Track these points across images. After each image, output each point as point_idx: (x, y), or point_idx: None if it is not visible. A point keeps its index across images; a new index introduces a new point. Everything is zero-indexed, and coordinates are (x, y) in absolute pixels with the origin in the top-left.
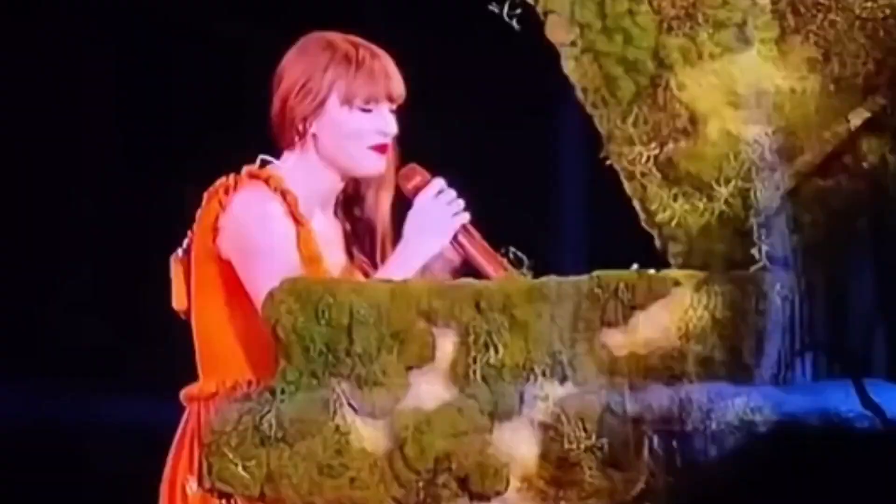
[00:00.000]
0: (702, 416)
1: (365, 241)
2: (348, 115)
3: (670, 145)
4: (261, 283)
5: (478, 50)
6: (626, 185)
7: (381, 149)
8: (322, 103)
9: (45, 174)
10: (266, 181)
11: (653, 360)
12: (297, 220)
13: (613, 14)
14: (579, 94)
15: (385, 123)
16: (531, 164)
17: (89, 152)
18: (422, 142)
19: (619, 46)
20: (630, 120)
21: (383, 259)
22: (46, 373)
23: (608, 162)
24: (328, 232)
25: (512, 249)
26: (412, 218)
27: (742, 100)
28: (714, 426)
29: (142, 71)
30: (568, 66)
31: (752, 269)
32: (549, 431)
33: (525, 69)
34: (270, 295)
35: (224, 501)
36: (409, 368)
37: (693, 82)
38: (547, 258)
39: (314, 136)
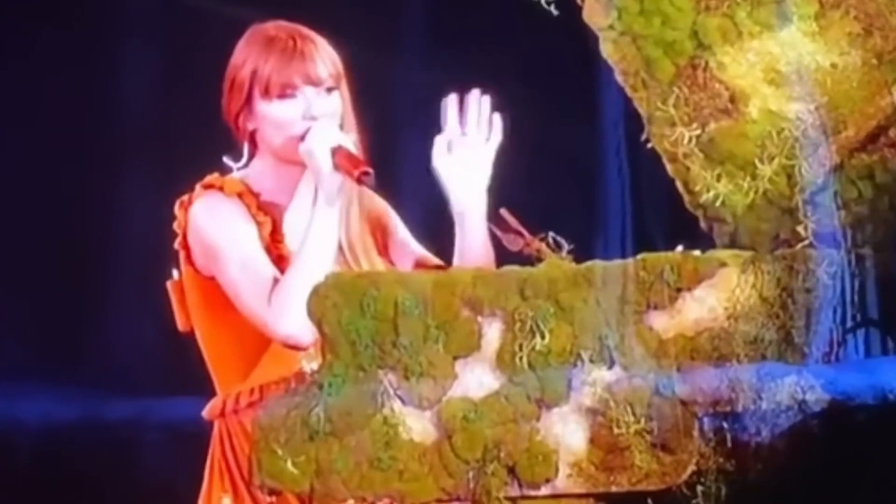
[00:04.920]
0: (752, 396)
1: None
2: (269, 105)
3: (712, 125)
4: (237, 285)
5: (517, 35)
6: (669, 167)
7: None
8: (248, 98)
9: (92, 178)
10: (221, 188)
11: (701, 342)
12: (259, 219)
13: None
14: (619, 78)
15: (308, 107)
16: (572, 150)
17: (137, 159)
18: None
19: (658, 28)
20: (671, 101)
21: (353, 254)
22: (98, 374)
23: (650, 145)
24: None
25: (551, 234)
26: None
27: (783, 77)
28: (765, 406)
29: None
30: (606, 50)
31: (799, 246)
32: (598, 417)
33: (564, 53)
34: (315, 291)
35: (274, 499)
36: (456, 358)
37: (733, 61)
38: (588, 243)
39: (256, 131)
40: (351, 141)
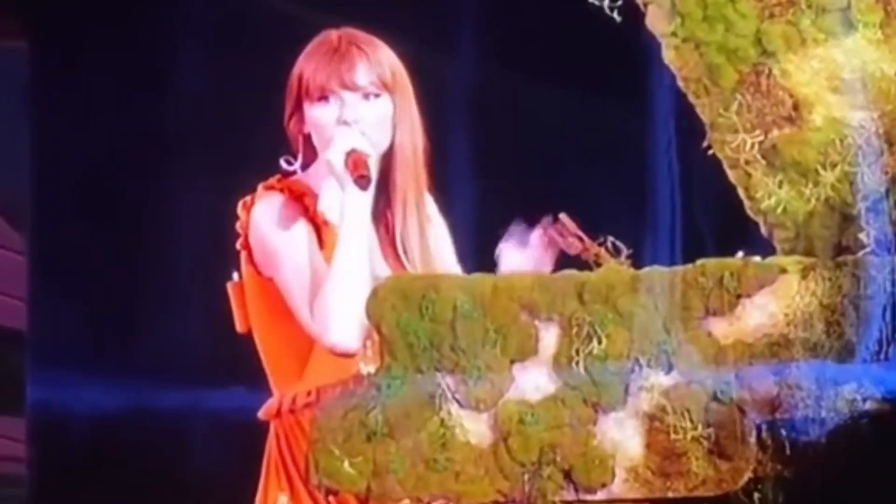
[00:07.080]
0: (810, 402)
1: (385, 243)
2: (312, 108)
3: (774, 132)
4: (292, 290)
5: (576, 40)
6: (730, 174)
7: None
8: (298, 101)
9: (143, 174)
10: (282, 190)
11: (759, 348)
12: (318, 223)
13: (714, 2)
14: (680, 84)
15: (341, 112)
16: (628, 154)
17: (188, 153)
18: (522, 132)
19: (721, 35)
20: (733, 108)
21: (395, 259)
22: (150, 363)
23: (711, 151)
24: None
25: (611, 239)
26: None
27: (847, 85)
28: (823, 412)
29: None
30: (668, 56)
31: (860, 254)
32: (655, 422)
33: (622, 59)
34: (374, 292)
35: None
36: (513, 361)
37: (796, 69)
38: (637, 241)
39: (311, 134)
40: (372, 147)
